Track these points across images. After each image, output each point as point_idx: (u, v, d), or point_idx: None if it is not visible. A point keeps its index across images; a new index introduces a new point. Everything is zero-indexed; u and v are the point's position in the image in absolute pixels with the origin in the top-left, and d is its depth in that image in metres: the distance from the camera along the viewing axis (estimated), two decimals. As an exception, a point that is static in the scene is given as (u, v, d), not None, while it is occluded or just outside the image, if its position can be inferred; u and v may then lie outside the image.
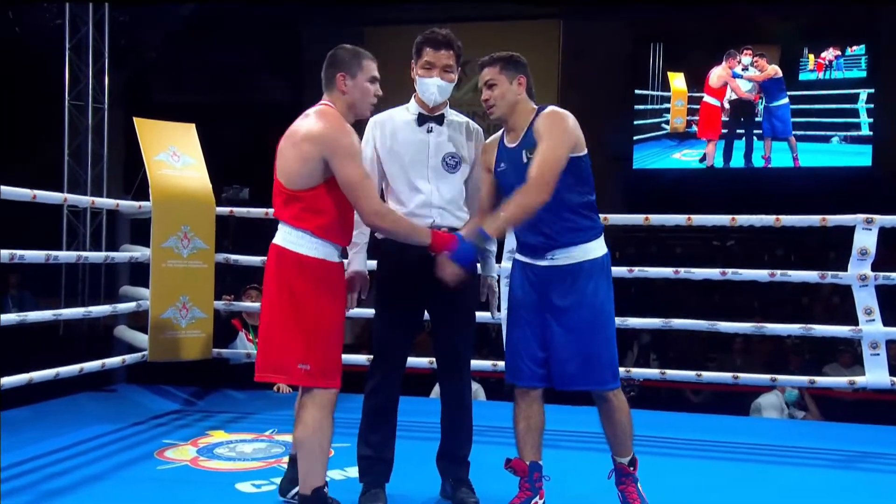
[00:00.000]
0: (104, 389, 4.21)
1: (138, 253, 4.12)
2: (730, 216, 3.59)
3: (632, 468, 2.38)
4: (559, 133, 2.22)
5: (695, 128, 10.06)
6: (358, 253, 2.45)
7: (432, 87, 2.41)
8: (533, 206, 2.17)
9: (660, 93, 10.23)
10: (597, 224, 2.33)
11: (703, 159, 10.03)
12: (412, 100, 2.51)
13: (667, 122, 10.19)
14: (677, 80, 10.17)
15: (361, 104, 2.25)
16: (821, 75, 9.76)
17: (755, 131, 10.00)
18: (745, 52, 9.80)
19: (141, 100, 9.46)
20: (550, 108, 2.31)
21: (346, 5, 10.05)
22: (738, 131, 10.08)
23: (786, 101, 9.73)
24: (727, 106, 9.97)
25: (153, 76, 10.18)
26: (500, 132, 2.41)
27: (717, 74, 9.95)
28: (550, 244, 2.28)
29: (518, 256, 2.40)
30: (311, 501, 2.18)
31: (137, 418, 3.58)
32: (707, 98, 10.00)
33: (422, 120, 2.47)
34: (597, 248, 2.30)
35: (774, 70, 9.75)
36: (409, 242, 2.22)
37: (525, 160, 2.25)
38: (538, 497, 2.31)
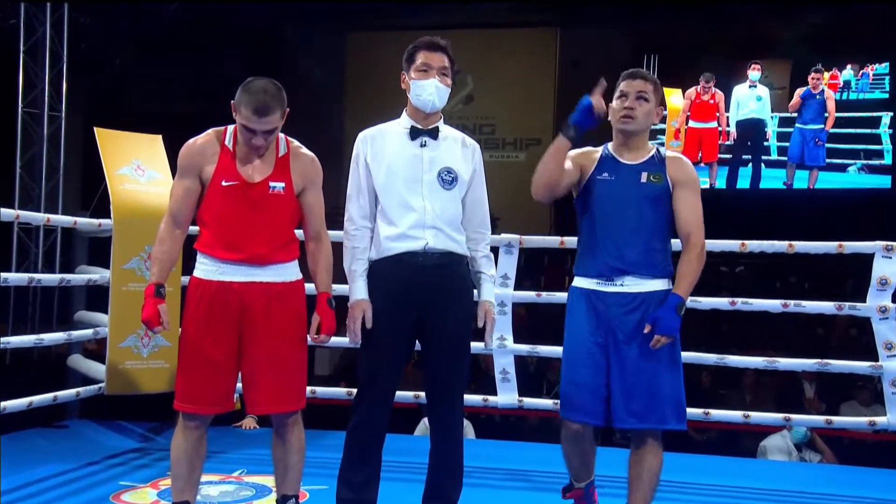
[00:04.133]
0: (55, 425, 4.16)
1: (96, 275, 4.10)
2: (739, 241, 3.63)
3: None
4: (698, 186, 2.51)
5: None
6: (359, 280, 2.46)
7: (430, 87, 2.44)
8: (703, 259, 2.45)
9: (655, 110, 10.18)
10: (670, 262, 2.48)
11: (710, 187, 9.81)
12: (403, 114, 2.54)
13: (662, 145, 10.00)
14: (674, 97, 9.81)
15: (241, 139, 2.36)
16: (835, 96, 9.42)
17: (763, 157, 9.71)
18: (752, 66, 9.41)
19: (102, 108, 9.46)
20: (673, 152, 2.56)
21: (330, 9, 10.10)
22: (744, 157, 9.64)
23: (822, 126, 9.32)
24: (731, 129, 9.64)
25: (117, 82, 10.19)
26: (600, 147, 2.56)
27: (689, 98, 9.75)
28: (627, 269, 2.41)
29: (581, 283, 2.48)
30: None
31: (92, 458, 3.54)
32: (692, 122, 9.68)
33: (415, 133, 2.50)
34: (666, 283, 2.46)
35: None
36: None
37: (644, 180, 2.45)
38: None
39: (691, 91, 9.65)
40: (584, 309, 2.44)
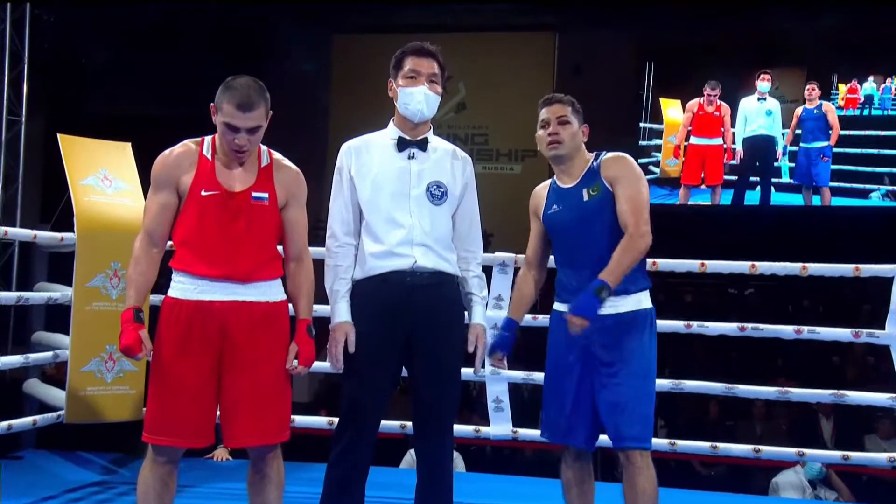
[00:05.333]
0: (9, 456, 4.12)
1: (57, 293, 4.08)
2: (749, 262, 3.66)
3: None
4: (636, 176, 2.56)
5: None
6: (342, 301, 2.48)
7: (418, 95, 2.47)
8: (641, 250, 2.47)
9: (649, 125, 9.63)
10: (647, 277, 2.60)
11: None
12: (390, 124, 2.57)
13: (657, 164, 9.45)
14: (672, 110, 9.36)
15: (221, 145, 2.37)
16: (853, 112, 8.99)
17: (774, 179, 9.16)
18: (762, 76, 8.78)
19: (67, 112, 9.46)
20: (612, 153, 2.62)
21: (314, 10, 10.14)
22: (751, 179, 9.15)
23: (828, 142, 8.84)
24: (737, 146, 8.94)
25: (83, 85, 10.20)
26: (548, 181, 2.71)
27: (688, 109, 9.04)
28: None
29: (559, 307, 2.62)
30: None
31: (49, 492, 3.50)
32: (693, 138, 8.96)
33: (402, 145, 2.52)
34: (644, 300, 2.56)
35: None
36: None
37: (586, 198, 2.56)
38: None
39: (693, 103, 9.03)
40: (563, 332, 2.53)
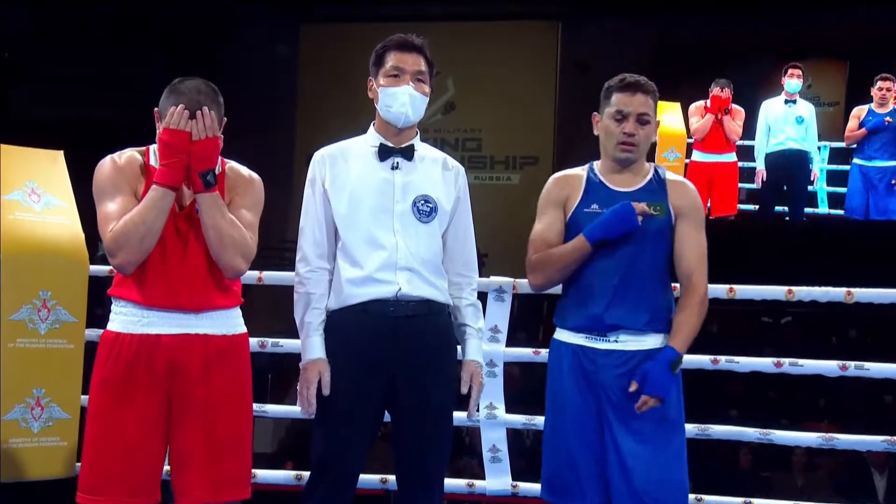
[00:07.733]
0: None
1: (-24, 327, 4.06)
2: (785, 288, 3.67)
3: None
4: (703, 218, 2.56)
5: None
6: (315, 334, 2.49)
7: (402, 96, 2.49)
8: (705, 310, 2.51)
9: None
10: (672, 312, 2.54)
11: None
12: (371, 129, 2.60)
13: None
14: (668, 115, 7.33)
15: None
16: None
17: (807, 209, 8.11)
18: (790, 72, 7.54)
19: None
20: (673, 174, 2.61)
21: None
22: (776, 209, 7.99)
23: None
24: (758, 165, 7.75)
25: (9, 84, 10.19)
26: (580, 167, 2.61)
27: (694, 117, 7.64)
28: (622, 323, 2.47)
29: (566, 336, 2.55)
30: None
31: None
32: (697, 154, 7.63)
33: (385, 153, 2.54)
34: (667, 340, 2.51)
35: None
36: (154, 218, 2.28)
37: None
38: None
39: (698, 107, 7.67)
40: (571, 368, 2.51)
